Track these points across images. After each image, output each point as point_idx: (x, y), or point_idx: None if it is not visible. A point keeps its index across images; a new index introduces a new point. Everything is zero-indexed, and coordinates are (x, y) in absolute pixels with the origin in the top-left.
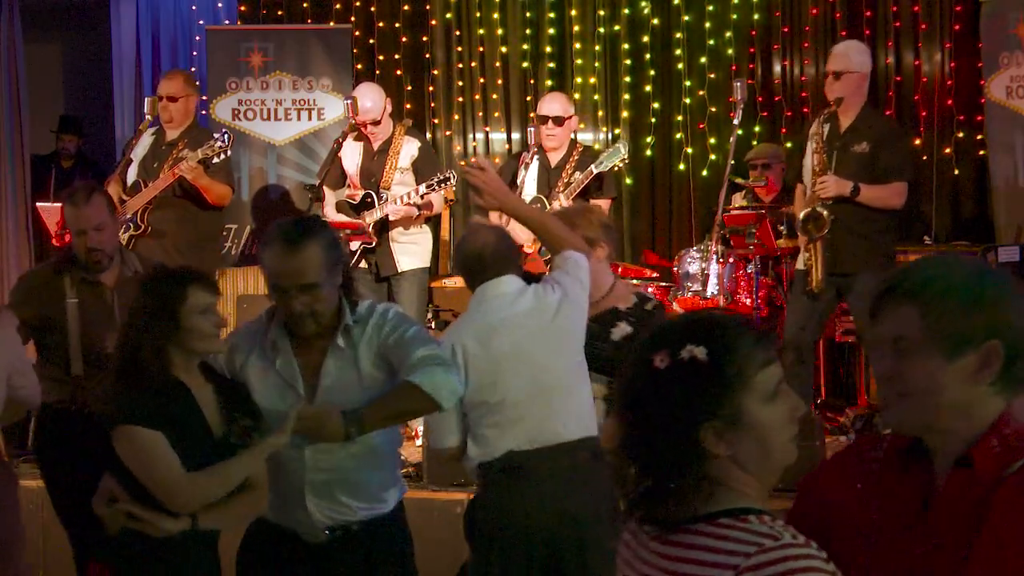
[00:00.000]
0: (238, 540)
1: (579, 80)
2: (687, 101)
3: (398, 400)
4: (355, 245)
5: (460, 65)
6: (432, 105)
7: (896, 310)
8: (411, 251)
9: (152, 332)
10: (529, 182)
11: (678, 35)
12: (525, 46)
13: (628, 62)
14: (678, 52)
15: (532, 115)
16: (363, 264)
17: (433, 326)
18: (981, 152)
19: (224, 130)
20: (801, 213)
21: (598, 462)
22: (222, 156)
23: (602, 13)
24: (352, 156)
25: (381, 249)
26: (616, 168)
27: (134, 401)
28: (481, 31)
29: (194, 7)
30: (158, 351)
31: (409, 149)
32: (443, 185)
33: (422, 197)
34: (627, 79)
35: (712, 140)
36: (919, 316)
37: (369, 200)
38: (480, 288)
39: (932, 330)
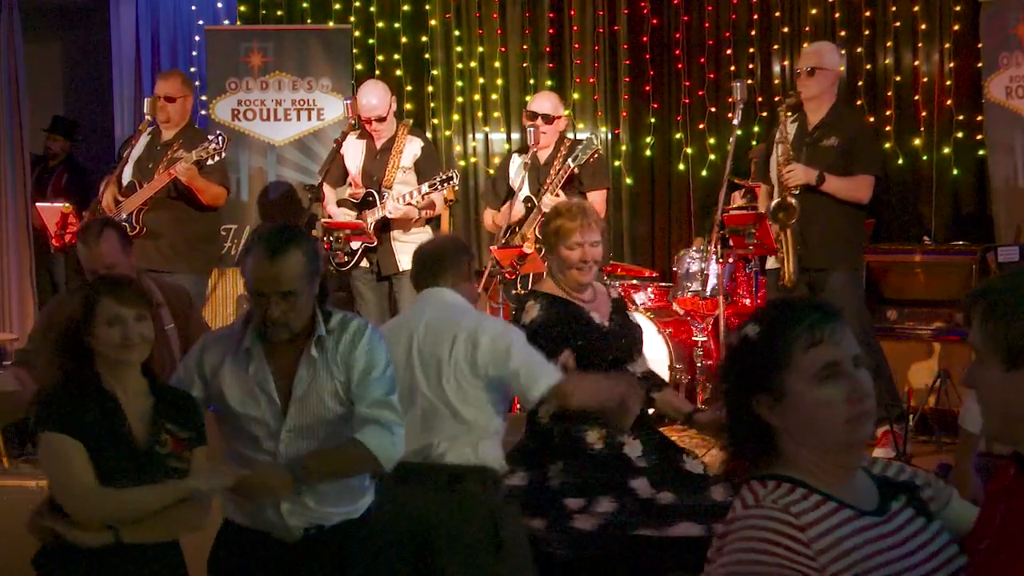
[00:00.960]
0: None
1: (578, 80)
2: (687, 101)
3: (344, 458)
4: (356, 245)
5: (460, 65)
6: (432, 105)
7: (972, 319)
8: (413, 251)
9: (66, 340)
10: (523, 181)
11: (677, 35)
12: (524, 46)
13: (627, 62)
14: (677, 52)
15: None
16: (364, 263)
17: None
18: (981, 152)
19: (218, 132)
20: (772, 203)
21: (487, 494)
22: (216, 158)
23: (601, 13)
24: (354, 155)
25: (382, 248)
26: (595, 158)
27: (56, 407)
28: (481, 31)
29: (194, 7)
30: (67, 354)
31: (412, 148)
32: (445, 185)
33: (424, 197)
34: (626, 79)
35: (712, 140)
36: (980, 324)
37: (371, 199)
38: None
39: (991, 339)
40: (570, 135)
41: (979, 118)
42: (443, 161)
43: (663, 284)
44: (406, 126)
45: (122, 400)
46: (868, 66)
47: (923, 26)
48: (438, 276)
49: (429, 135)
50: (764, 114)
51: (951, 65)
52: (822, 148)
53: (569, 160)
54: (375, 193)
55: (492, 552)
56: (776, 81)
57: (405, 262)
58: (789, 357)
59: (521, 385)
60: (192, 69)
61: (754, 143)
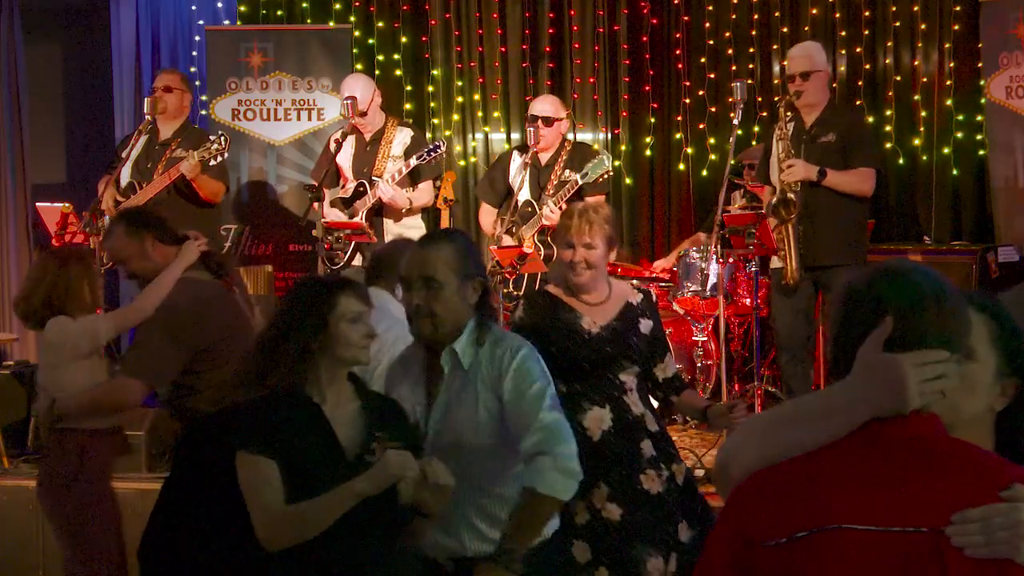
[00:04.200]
0: None
1: (578, 80)
2: (687, 101)
3: (531, 516)
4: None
5: (460, 65)
6: (432, 105)
7: None
8: None
9: (297, 336)
10: (523, 181)
11: (677, 35)
12: (524, 46)
13: (627, 62)
14: (677, 52)
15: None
16: (357, 261)
17: None
18: (981, 152)
19: (220, 132)
20: (772, 198)
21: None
22: (220, 158)
23: (601, 13)
24: (345, 151)
25: (379, 241)
26: (603, 179)
27: (255, 424)
28: (481, 31)
29: (194, 7)
30: (302, 357)
31: (402, 138)
32: (433, 154)
33: (410, 168)
34: (626, 79)
35: (712, 140)
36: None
37: (362, 189)
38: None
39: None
40: (570, 136)
41: (979, 118)
42: (443, 161)
43: (663, 284)
44: (395, 119)
45: (327, 408)
46: (868, 66)
47: (923, 26)
48: (377, 278)
49: (429, 135)
50: (764, 114)
51: (951, 65)
52: (820, 145)
53: (577, 176)
54: (366, 183)
55: None
56: (776, 81)
57: None
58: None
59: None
60: (192, 69)
61: (754, 143)
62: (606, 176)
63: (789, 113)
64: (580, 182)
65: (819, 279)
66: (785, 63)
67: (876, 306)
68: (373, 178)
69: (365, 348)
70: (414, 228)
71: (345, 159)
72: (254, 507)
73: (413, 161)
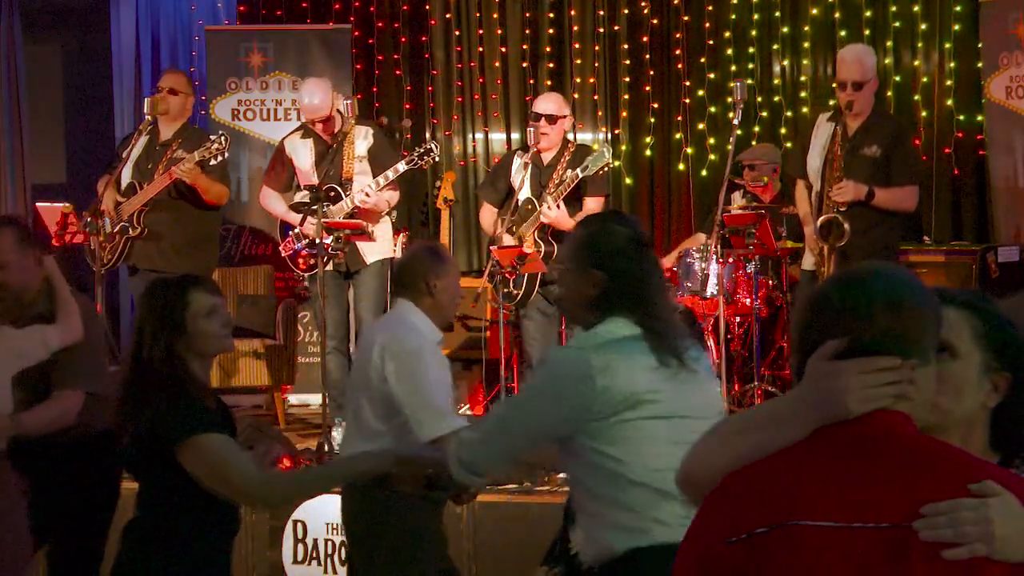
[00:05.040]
0: None
1: (578, 80)
2: (687, 101)
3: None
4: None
5: (460, 65)
6: (432, 105)
7: None
8: (374, 244)
9: (161, 343)
10: (523, 181)
11: (677, 35)
12: (525, 46)
13: (627, 62)
14: (678, 52)
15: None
16: (329, 266)
17: None
18: (981, 152)
19: (220, 132)
20: (820, 219)
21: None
22: (220, 158)
23: (601, 13)
24: (303, 155)
25: (349, 245)
26: (603, 171)
27: (190, 410)
28: (481, 31)
29: (194, 7)
30: (171, 361)
31: (363, 137)
32: (425, 158)
33: (396, 174)
34: (626, 79)
35: (712, 140)
36: None
37: (334, 194)
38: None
39: None
40: (571, 136)
41: (979, 118)
42: (443, 161)
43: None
44: (352, 117)
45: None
46: None
47: (923, 26)
48: (400, 290)
49: (429, 135)
50: (764, 114)
51: (951, 65)
52: (861, 156)
53: (577, 170)
54: (338, 187)
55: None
56: (776, 81)
57: (370, 256)
58: None
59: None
60: (192, 69)
61: (754, 143)
62: (606, 170)
63: (831, 114)
64: (580, 175)
65: None
66: (785, 63)
67: (832, 314)
68: (344, 182)
69: (226, 337)
70: (382, 226)
71: (305, 162)
72: (233, 478)
73: (402, 166)
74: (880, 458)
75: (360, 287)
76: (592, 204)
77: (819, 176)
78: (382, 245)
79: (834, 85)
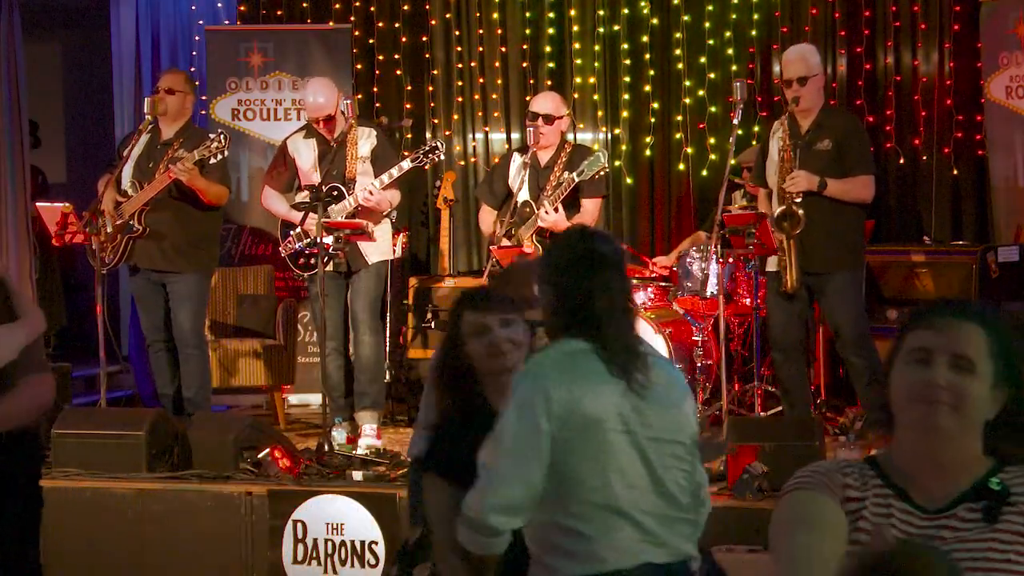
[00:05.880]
0: None
1: (578, 80)
2: (687, 101)
3: None
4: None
5: (460, 65)
6: (432, 105)
7: None
8: (375, 244)
9: (448, 357)
10: (523, 182)
11: (677, 35)
12: (525, 46)
13: (627, 62)
14: (678, 52)
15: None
16: (329, 267)
17: (432, 326)
18: (981, 152)
19: (220, 130)
20: (776, 210)
21: None
22: (219, 156)
23: (601, 13)
24: (306, 155)
25: (350, 244)
26: (599, 175)
27: (441, 446)
28: (481, 31)
29: (194, 7)
30: (465, 375)
31: (366, 137)
32: (430, 156)
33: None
34: (626, 79)
35: (712, 140)
36: None
37: (336, 193)
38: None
39: None
40: (570, 136)
41: (979, 118)
42: (444, 161)
43: (663, 284)
44: (354, 118)
45: None
46: (868, 66)
47: (923, 26)
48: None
49: (429, 135)
50: (764, 114)
51: (951, 65)
52: (815, 152)
53: (573, 174)
54: (341, 187)
55: None
56: (776, 81)
57: (372, 256)
58: (903, 336)
59: None
60: (192, 69)
61: (754, 143)
62: (602, 173)
63: (784, 117)
64: (576, 180)
65: (813, 284)
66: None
67: None
68: (347, 182)
69: (495, 357)
70: (382, 226)
71: (307, 162)
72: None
73: (406, 164)
74: None
75: (361, 284)
76: (589, 206)
77: (776, 175)
78: (382, 245)
79: (778, 82)
